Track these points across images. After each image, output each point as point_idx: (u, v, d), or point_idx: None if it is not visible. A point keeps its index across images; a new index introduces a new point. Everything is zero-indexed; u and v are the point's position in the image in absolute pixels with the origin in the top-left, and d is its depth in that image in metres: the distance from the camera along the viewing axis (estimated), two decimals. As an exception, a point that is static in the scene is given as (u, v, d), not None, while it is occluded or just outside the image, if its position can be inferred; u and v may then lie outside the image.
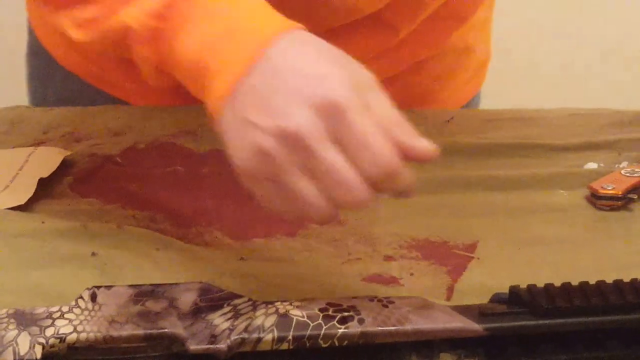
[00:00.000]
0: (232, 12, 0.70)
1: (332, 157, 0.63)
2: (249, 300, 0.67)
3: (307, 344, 0.65)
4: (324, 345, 0.65)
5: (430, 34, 1.03)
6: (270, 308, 0.66)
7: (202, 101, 0.69)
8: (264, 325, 0.65)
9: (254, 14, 0.70)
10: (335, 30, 0.94)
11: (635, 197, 0.89)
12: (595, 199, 0.90)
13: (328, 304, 0.67)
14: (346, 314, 0.66)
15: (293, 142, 0.62)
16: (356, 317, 0.66)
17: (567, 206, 0.90)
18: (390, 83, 1.06)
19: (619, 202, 0.89)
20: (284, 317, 0.65)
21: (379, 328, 0.65)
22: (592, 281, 0.68)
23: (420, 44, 1.03)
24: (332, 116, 0.63)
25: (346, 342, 0.65)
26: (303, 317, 0.66)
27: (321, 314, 0.66)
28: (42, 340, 0.62)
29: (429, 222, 0.85)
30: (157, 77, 0.74)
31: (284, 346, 0.65)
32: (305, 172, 0.63)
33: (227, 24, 0.69)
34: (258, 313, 0.65)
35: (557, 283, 0.68)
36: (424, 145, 0.64)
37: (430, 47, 1.05)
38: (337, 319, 0.66)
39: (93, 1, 0.74)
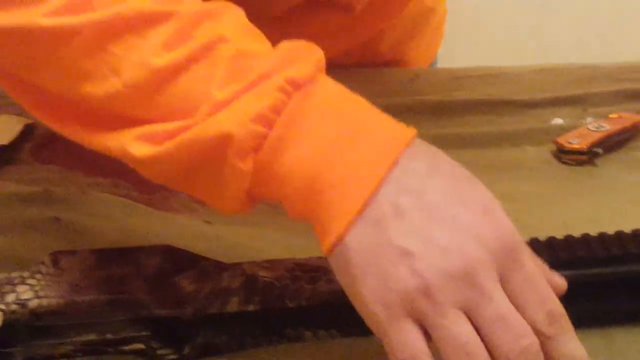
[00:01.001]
0: (352, 115, 0.58)
1: (503, 299, 0.55)
2: (215, 262, 0.66)
3: (275, 305, 0.64)
4: (291, 306, 0.64)
5: (386, 6, 1.02)
6: (236, 270, 0.65)
7: (311, 224, 0.58)
8: (231, 287, 0.64)
9: (379, 117, 0.59)
10: (291, 12, 0.92)
11: (601, 151, 0.89)
12: (561, 154, 0.89)
13: (296, 264, 0.66)
14: (314, 274, 0.65)
15: (464, 279, 0.54)
16: (324, 277, 0.65)
17: (534, 162, 0.89)
18: (352, 54, 1.06)
19: (585, 157, 0.89)
20: (251, 279, 0.65)
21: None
22: (560, 236, 0.68)
23: (377, 16, 1.02)
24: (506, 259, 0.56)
25: (315, 302, 0.65)
26: (270, 278, 0.65)
27: (289, 275, 0.65)
28: (2, 307, 0.61)
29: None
30: (243, 202, 0.60)
31: (251, 308, 0.64)
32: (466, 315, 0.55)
33: (350, 127, 0.57)
34: (224, 275, 0.65)
35: (525, 239, 0.67)
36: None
37: (388, 18, 1.04)
38: (305, 279, 0.65)
39: (168, 115, 0.58)
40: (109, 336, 0.64)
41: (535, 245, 0.67)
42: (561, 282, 0.59)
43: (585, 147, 0.89)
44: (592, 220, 0.80)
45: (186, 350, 0.64)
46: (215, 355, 0.65)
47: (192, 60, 0.58)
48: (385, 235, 0.55)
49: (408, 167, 0.56)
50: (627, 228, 0.68)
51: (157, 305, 0.63)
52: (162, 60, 0.58)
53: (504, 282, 0.55)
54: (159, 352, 0.64)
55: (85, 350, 0.65)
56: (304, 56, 0.59)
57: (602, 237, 0.67)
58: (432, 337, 0.55)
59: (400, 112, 0.95)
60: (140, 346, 0.64)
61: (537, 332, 0.55)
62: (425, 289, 0.54)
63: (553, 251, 0.66)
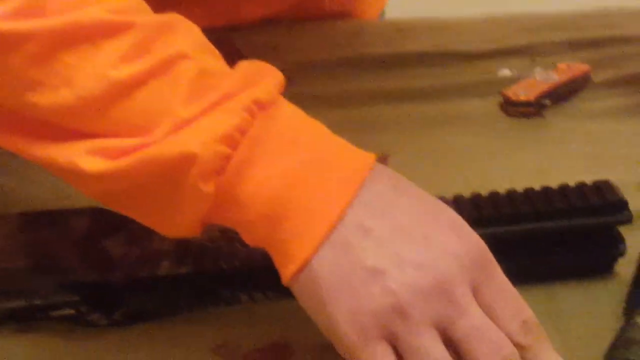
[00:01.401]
0: (314, 139, 0.57)
1: (478, 312, 0.54)
2: (146, 224, 0.63)
3: (208, 268, 0.62)
4: (225, 268, 0.63)
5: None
6: (169, 231, 0.63)
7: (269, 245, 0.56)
8: (162, 249, 0.62)
9: (340, 142, 0.58)
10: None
11: (549, 102, 0.88)
12: (508, 106, 0.87)
13: (230, 224, 0.64)
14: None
15: (438, 294, 0.53)
16: (259, 237, 0.63)
17: (480, 115, 0.87)
18: (297, 8, 1.03)
19: (532, 109, 0.87)
20: (183, 241, 0.62)
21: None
22: (503, 190, 0.66)
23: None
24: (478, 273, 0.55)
25: (249, 264, 0.63)
26: (203, 239, 0.63)
27: (222, 236, 0.63)
28: None
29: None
30: (195, 227, 0.57)
31: (184, 270, 0.62)
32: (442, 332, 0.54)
33: (313, 151, 0.56)
34: (155, 238, 0.62)
35: (468, 194, 0.66)
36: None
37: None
38: (239, 240, 0.62)
39: (124, 131, 0.55)
40: (37, 302, 0.62)
41: (477, 200, 0.65)
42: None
43: (532, 98, 0.87)
44: (538, 173, 0.78)
45: (117, 315, 0.63)
46: (148, 320, 0.63)
47: (151, 75, 0.55)
48: (355, 257, 0.54)
49: (373, 190, 0.55)
50: (574, 180, 0.67)
51: (85, 270, 0.61)
52: (120, 73, 0.55)
53: (477, 296, 0.54)
54: (89, 317, 0.62)
55: (13, 317, 0.63)
56: (266, 77, 0.57)
57: (546, 191, 0.66)
58: (402, 354, 0.53)
59: (344, 65, 0.95)
60: (70, 311, 0.62)
61: (513, 344, 0.54)
62: (399, 308, 0.53)
63: (495, 207, 0.65)
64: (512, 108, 0.87)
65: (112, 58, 0.55)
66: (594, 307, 0.65)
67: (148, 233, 0.62)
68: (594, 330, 0.62)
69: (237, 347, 0.61)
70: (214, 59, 0.58)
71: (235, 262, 0.63)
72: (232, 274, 0.63)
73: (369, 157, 0.57)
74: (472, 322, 0.53)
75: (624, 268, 0.67)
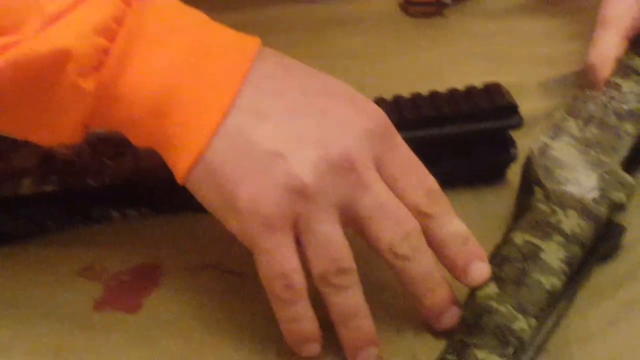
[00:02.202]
0: (196, 27, 0.54)
1: (382, 187, 0.53)
2: (8, 139, 0.59)
3: (76, 184, 0.59)
4: (94, 185, 0.60)
5: None
6: (32, 147, 0.59)
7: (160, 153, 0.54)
8: (24, 167, 0.59)
9: (222, 28, 0.55)
10: None
11: (449, 1, 0.84)
12: (408, 6, 0.84)
13: (98, 139, 0.61)
14: (118, 149, 0.60)
15: (341, 170, 0.52)
16: (130, 152, 0.60)
17: (378, 15, 0.84)
18: None
19: (432, 8, 0.84)
20: (48, 157, 0.59)
21: (156, 162, 0.59)
22: (406, 93, 0.64)
23: None
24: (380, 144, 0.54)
25: (119, 179, 0.60)
26: (69, 155, 0.59)
27: (90, 150, 0.60)
28: None
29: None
30: (77, 130, 0.53)
31: (49, 188, 0.59)
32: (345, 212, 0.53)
33: (196, 39, 0.53)
34: (16, 154, 0.59)
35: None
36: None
37: None
38: (107, 154, 0.60)
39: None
40: None
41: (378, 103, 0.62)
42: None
43: (433, -3, 0.84)
44: (436, 75, 0.75)
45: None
46: (13, 242, 0.60)
47: None
48: (250, 142, 0.52)
49: (263, 70, 0.53)
50: (476, 81, 0.64)
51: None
52: None
53: (380, 168, 0.53)
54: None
55: None
56: None
57: (433, 96, 0.63)
58: (301, 241, 0.52)
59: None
60: None
61: (419, 214, 0.54)
62: (303, 189, 0.51)
63: (397, 110, 0.62)
64: (412, 8, 0.84)
65: None
66: (485, 214, 0.63)
67: (7, 149, 0.59)
68: (484, 238, 0.59)
69: (104, 269, 0.59)
70: None
71: (104, 178, 0.59)
72: (101, 190, 0.60)
73: (254, 40, 0.55)
74: (375, 198, 0.53)
75: (517, 174, 0.64)
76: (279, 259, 0.52)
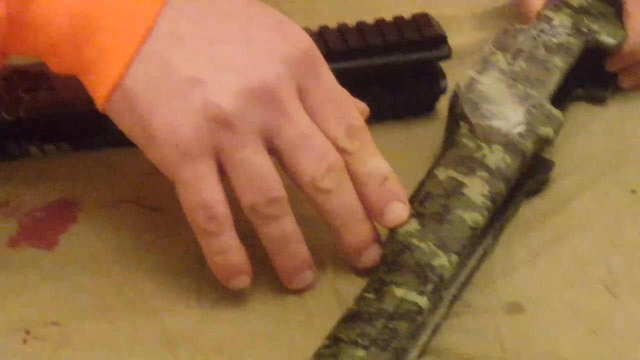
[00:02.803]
0: None
1: (305, 117, 0.52)
2: None
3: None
4: (9, 119, 0.58)
5: None
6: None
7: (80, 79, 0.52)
8: None
9: None
10: None
11: None
12: None
13: (14, 70, 0.59)
14: (33, 82, 0.58)
15: (263, 98, 0.50)
16: (45, 85, 0.58)
17: None
18: None
19: None
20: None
21: (74, 96, 0.57)
22: (333, 25, 0.62)
23: None
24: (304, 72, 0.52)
25: (35, 114, 0.58)
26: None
27: (4, 83, 0.58)
28: None
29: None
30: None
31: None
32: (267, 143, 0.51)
33: None
34: None
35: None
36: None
37: None
38: (22, 87, 0.58)
39: None
40: None
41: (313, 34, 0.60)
42: (363, 106, 0.56)
43: None
44: (368, 4, 0.73)
45: None
46: None
47: None
48: (170, 68, 0.50)
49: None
50: (408, 13, 0.63)
51: None
52: None
53: (302, 98, 0.52)
54: None
55: None
56: None
57: (360, 26, 0.62)
58: (227, 172, 0.51)
59: None
60: None
61: (339, 150, 0.53)
62: (222, 118, 0.50)
63: (323, 41, 0.61)
64: None
65: None
66: (415, 147, 0.63)
67: None
68: (413, 171, 0.59)
69: (19, 205, 0.57)
70: None
71: (19, 111, 0.57)
72: (16, 125, 0.58)
73: None
74: (297, 129, 0.51)
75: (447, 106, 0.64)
76: (200, 189, 0.50)
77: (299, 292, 0.54)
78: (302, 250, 0.53)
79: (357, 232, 0.54)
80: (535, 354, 0.52)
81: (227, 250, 0.52)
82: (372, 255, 0.54)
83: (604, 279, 0.55)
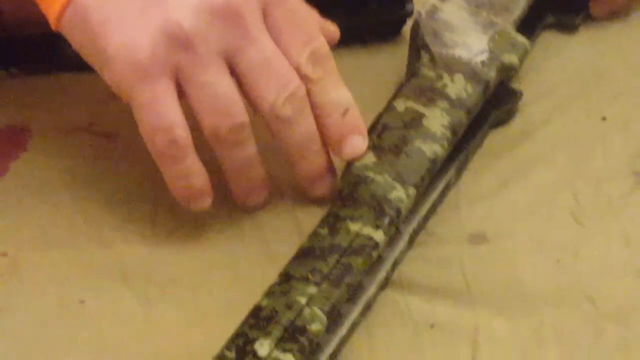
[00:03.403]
0: None
1: (268, 41, 0.50)
2: None
3: None
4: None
5: None
6: None
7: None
8: None
9: None
10: None
11: None
12: None
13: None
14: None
15: (226, 18, 0.48)
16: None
17: None
18: None
19: None
20: None
21: (24, 18, 0.56)
22: None
23: None
24: None
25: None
26: None
27: None
28: None
29: None
30: None
31: None
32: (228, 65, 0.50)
33: None
34: None
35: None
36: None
37: None
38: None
39: None
40: None
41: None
42: (333, 28, 0.55)
43: None
44: None
45: None
46: None
47: None
48: None
49: None
50: None
51: None
52: None
53: (266, 20, 0.50)
54: None
55: None
56: None
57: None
58: (187, 94, 0.49)
59: None
60: None
61: (302, 77, 0.51)
62: (182, 37, 0.48)
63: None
64: None
65: None
66: (380, 72, 0.61)
67: None
68: (377, 97, 0.57)
69: (-33, 134, 0.56)
70: None
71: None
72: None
73: None
74: (260, 53, 0.49)
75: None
76: (158, 112, 0.48)
77: (257, 222, 0.53)
78: (259, 174, 0.52)
79: (312, 161, 0.52)
80: (498, 284, 0.51)
81: (188, 174, 0.50)
82: (325, 185, 0.53)
83: (571, 207, 0.54)
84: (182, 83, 0.49)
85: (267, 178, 0.53)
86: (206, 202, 0.51)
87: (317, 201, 0.54)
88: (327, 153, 0.53)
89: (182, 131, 0.49)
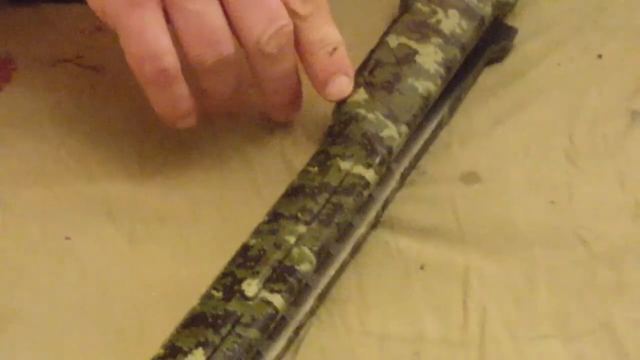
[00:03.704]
0: None
1: None
2: None
3: None
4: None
5: None
6: None
7: None
8: None
9: None
10: None
11: None
12: None
13: None
14: None
15: None
16: None
17: None
18: None
19: None
20: None
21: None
22: None
23: None
24: None
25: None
26: None
27: None
28: None
29: None
30: None
31: None
32: None
33: None
34: None
35: None
36: None
37: None
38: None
39: None
40: None
41: None
42: None
43: None
44: None
45: None
46: None
47: None
48: None
49: None
50: None
51: None
52: None
53: None
54: None
55: None
56: None
57: None
58: (174, 22, 0.47)
59: None
60: None
61: (290, 12, 0.49)
62: None
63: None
64: None
65: None
66: (374, 6, 0.60)
67: None
68: (370, 34, 0.56)
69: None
70: None
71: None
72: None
73: None
74: None
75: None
76: (146, 38, 0.47)
77: (246, 158, 0.52)
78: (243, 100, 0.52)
79: (283, 95, 0.52)
80: (490, 224, 0.50)
81: (176, 100, 0.49)
82: (288, 114, 0.53)
83: (565, 147, 0.53)
84: (169, 11, 0.47)
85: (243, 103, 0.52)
86: (192, 122, 0.51)
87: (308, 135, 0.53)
88: (300, 85, 0.52)
89: (170, 58, 0.48)
